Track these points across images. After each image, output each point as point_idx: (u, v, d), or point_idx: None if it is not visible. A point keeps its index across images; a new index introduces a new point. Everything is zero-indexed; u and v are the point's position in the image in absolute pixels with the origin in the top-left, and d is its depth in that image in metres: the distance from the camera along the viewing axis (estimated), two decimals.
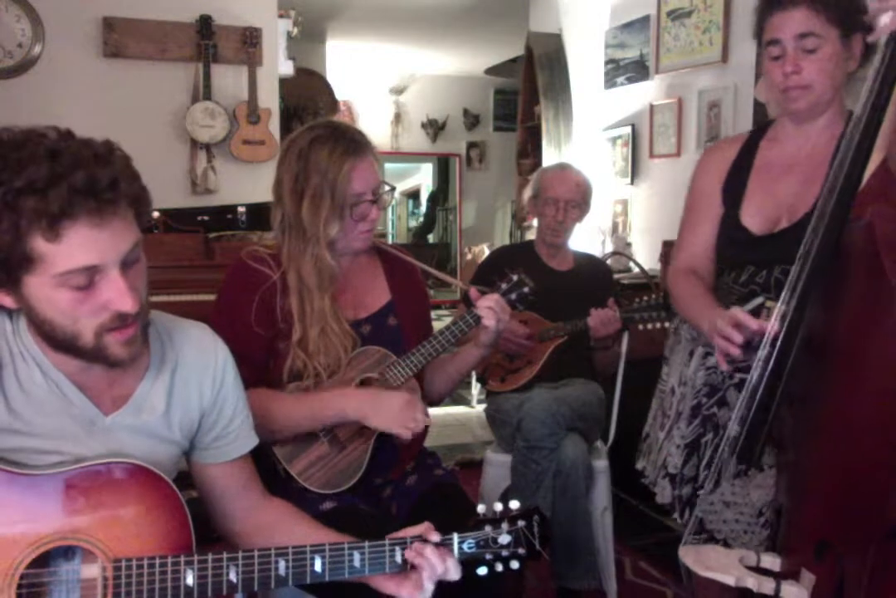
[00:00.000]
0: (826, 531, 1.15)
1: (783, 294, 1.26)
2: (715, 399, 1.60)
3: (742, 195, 1.62)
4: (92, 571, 1.05)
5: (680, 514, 1.61)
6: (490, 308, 1.63)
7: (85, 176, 0.97)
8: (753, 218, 1.59)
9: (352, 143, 1.58)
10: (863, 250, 1.14)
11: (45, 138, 1.00)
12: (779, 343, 1.25)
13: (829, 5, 1.46)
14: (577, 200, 2.57)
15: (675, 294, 1.67)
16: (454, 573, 1.14)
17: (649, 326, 2.31)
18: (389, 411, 1.53)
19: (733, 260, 1.63)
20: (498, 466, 2.40)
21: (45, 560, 1.04)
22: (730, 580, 1.19)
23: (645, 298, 2.33)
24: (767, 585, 1.17)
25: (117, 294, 1.02)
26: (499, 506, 1.18)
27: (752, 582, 1.18)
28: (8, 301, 1.05)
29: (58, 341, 1.06)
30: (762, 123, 1.73)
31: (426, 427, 1.76)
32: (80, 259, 0.99)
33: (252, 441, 1.32)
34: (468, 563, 1.16)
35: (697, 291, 1.60)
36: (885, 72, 1.16)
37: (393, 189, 1.69)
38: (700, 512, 1.55)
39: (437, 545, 1.14)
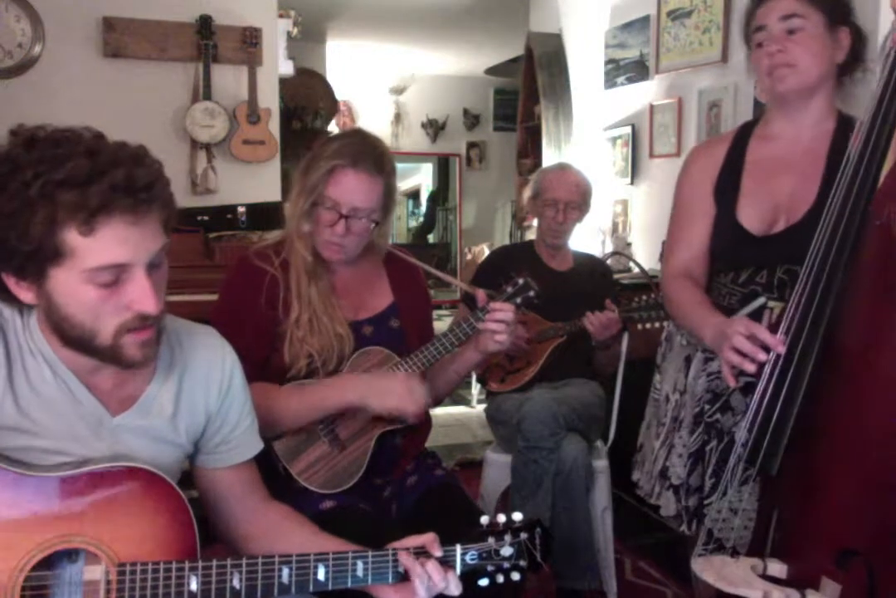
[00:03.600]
0: (847, 539, 1.12)
1: (793, 299, 1.24)
2: (718, 405, 1.56)
3: (737, 195, 1.58)
4: (95, 574, 1.05)
5: (688, 525, 1.56)
6: (502, 322, 1.60)
7: (125, 174, 0.98)
8: (751, 217, 1.55)
9: (358, 152, 1.58)
10: (877, 252, 1.12)
11: (82, 138, 1.01)
12: (798, 350, 1.21)
13: None
14: (577, 201, 2.57)
15: (672, 300, 1.61)
16: (454, 589, 1.13)
17: (648, 325, 2.31)
18: (389, 391, 1.53)
19: (732, 261, 1.59)
20: (498, 466, 2.40)
21: (49, 563, 1.04)
22: (757, 595, 1.15)
23: (644, 297, 2.32)
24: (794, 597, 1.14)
25: (142, 295, 1.03)
26: (502, 517, 1.17)
27: (777, 595, 1.15)
28: (29, 296, 1.04)
29: (73, 338, 1.05)
30: (749, 121, 1.69)
31: (427, 428, 1.77)
32: (111, 256, 0.99)
33: (257, 446, 1.31)
34: (470, 574, 1.15)
35: (697, 298, 1.54)
36: None
37: (377, 224, 1.63)
38: (709, 521, 1.50)
39: (439, 559, 1.13)
